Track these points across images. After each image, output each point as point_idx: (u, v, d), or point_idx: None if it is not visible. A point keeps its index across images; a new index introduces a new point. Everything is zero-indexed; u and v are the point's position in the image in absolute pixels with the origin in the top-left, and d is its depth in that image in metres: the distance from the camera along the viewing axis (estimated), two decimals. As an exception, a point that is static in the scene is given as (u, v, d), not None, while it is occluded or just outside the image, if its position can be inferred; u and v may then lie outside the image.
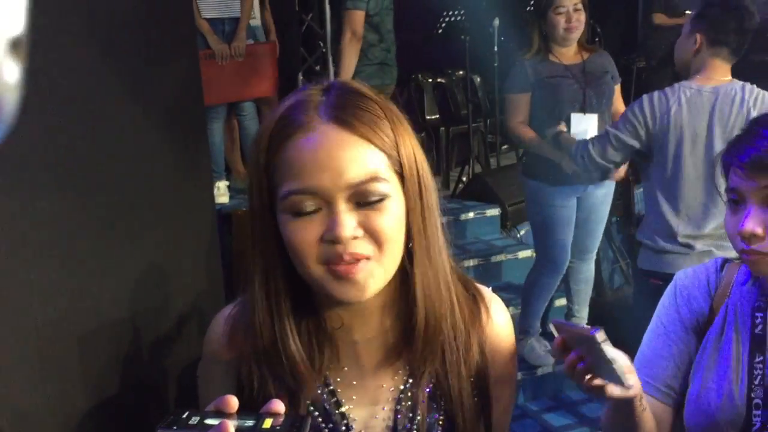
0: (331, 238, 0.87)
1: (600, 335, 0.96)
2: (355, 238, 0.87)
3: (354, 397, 0.98)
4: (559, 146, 3.11)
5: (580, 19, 3.33)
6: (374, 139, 0.89)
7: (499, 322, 1.06)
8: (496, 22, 5.15)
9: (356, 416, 0.98)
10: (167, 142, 2.19)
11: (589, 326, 0.99)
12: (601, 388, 0.99)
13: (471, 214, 4.68)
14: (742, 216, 1.14)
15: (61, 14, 1.83)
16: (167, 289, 2.22)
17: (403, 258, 0.93)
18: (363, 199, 0.88)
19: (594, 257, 3.73)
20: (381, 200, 0.88)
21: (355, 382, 0.99)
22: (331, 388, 0.98)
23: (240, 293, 1.02)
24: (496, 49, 5.21)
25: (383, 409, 0.99)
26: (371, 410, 0.99)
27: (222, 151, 4.62)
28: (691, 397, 1.24)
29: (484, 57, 5.34)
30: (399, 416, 0.98)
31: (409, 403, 0.99)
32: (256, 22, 4.60)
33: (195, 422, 0.75)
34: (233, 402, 0.77)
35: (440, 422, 0.99)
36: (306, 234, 0.88)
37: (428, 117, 5.93)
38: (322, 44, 5.09)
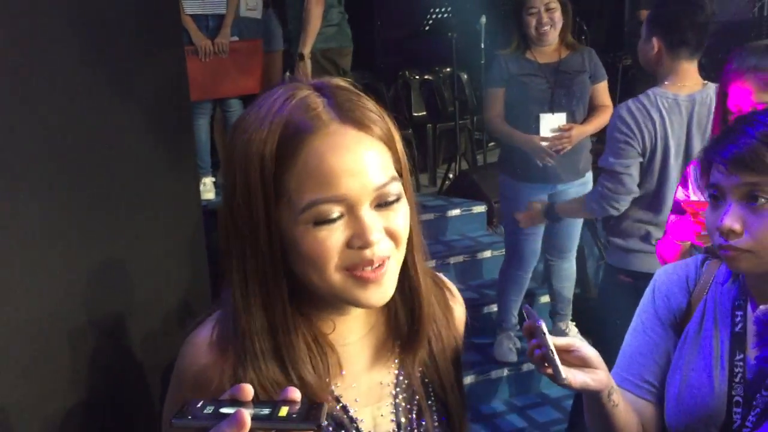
0: (361, 244, 0.85)
1: (542, 327, 1.00)
2: (380, 240, 0.87)
3: (357, 399, 0.99)
4: (553, 214, 2.95)
5: (554, 18, 3.33)
6: (384, 137, 0.89)
7: (461, 302, 1.12)
8: (483, 19, 5.16)
9: (363, 417, 0.98)
10: (153, 138, 2.17)
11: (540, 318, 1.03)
12: (554, 377, 1.02)
13: (457, 211, 4.70)
14: (722, 212, 1.15)
15: (46, 7, 1.82)
16: (153, 284, 2.21)
17: None
18: (383, 201, 0.87)
19: (574, 255, 3.75)
20: (398, 200, 0.89)
21: (354, 385, 0.99)
22: (336, 394, 0.97)
23: (220, 307, 0.96)
24: (482, 46, 5.22)
25: (386, 405, 1.00)
26: (375, 408, 1.00)
27: (208, 147, 4.62)
28: (671, 396, 1.26)
29: (470, 54, 5.35)
30: (400, 409, 1.00)
31: (406, 394, 1.01)
32: (256, 14, 4.57)
33: (210, 411, 0.74)
34: (249, 390, 0.75)
35: (434, 407, 1.02)
36: (330, 242, 0.85)
37: (415, 114, 5.93)
38: None
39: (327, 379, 0.94)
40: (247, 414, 0.71)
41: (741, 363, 1.19)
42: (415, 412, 1.00)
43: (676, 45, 2.49)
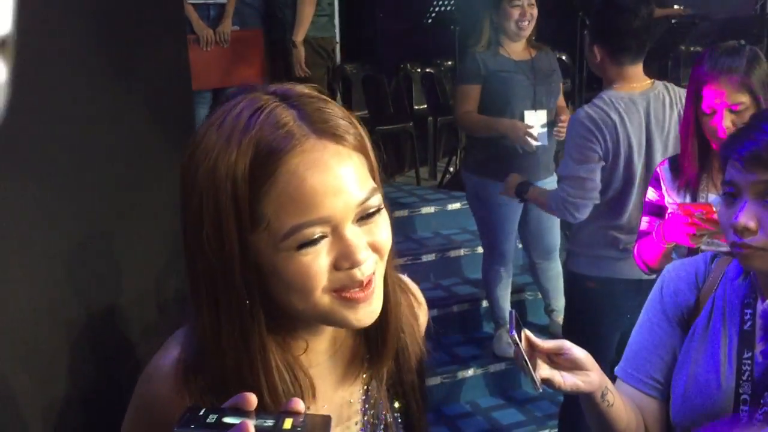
0: (349, 265, 0.81)
1: (513, 336, 1.02)
2: (367, 258, 0.83)
3: None
4: (523, 196, 2.86)
5: (533, 14, 3.35)
6: (359, 146, 0.84)
7: (425, 307, 1.09)
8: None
9: None
10: (154, 127, 2.16)
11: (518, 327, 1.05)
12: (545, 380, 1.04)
13: (457, 205, 4.69)
14: (737, 209, 1.14)
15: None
16: (152, 276, 2.20)
17: None
18: (365, 213, 0.83)
19: (558, 254, 3.74)
20: (378, 211, 0.85)
21: (325, 406, 0.95)
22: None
23: (189, 332, 0.89)
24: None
25: (354, 423, 0.98)
26: (344, 429, 0.98)
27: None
28: (677, 393, 1.25)
29: (473, 47, 5.33)
30: (368, 426, 0.98)
31: (374, 410, 0.99)
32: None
33: (213, 420, 0.72)
34: (252, 399, 0.73)
35: (399, 419, 1.01)
36: (317, 266, 0.80)
37: (416, 107, 5.91)
38: None
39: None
40: (251, 425, 0.70)
41: (749, 361, 1.18)
42: (381, 427, 0.99)
43: (617, 52, 2.47)
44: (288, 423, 0.72)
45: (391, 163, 5.70)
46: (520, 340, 1.03)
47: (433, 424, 3.44)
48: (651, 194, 2.16)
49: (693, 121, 1.99)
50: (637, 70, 2.51)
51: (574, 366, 1.07)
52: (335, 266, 0.81)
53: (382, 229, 0.85)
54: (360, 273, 0.82)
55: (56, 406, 1.91)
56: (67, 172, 1.90)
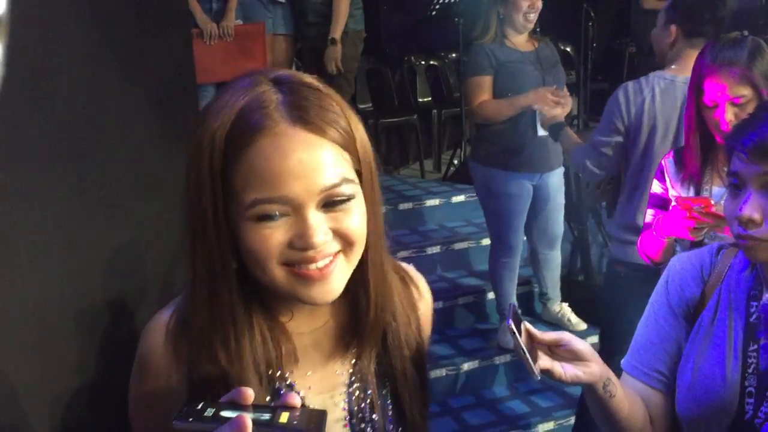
0: (302, 246, 0.85)
1: (511, 327, 1.03)
2: (325, 242, 0.87)
3: (310, 387, 0.99)
4: (556, 136, 3.03)
5: (539, 6, 3.38)
6: (339, 139, 0.87)
7: (427, 299, 1.12)
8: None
9: (314, 404, 0.98)
10: (159, 121, 2.16)
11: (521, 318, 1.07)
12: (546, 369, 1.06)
13: (462, 197, 4.69)
14: (741, 200, 1.13)
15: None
16: (161, 268, 2.21)
17: None
18: (330, 200, 0.87)
19: (560, 243, 3.77)
20: (348, 200, 0.88)
21: (309, 373, 0.99)
22: (288, 382, 0.97)
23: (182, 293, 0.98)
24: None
25: (339, 393, 1.00)
26: (327, 397, 1.00)
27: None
28: (682, 386, 1.25)
29: (477, 40, 5.31)
30: (353, 398, 1.00)
31: (360, 384, 1.01)
32: None
33: (210, 414, 0.74)
34: (249, 394, 0.76)
35: (389, 401, 1.03)
36: (271, 239, 0.85)
37: (420, 99, 5.90)
38: None
39: (279, 368, 0.95)
40: (248, 419, 0.72)
41: (755, 353, 1.18)
42: (367, 402, 1.01)
43: (693, 35, 2.49)
44: (284, 417, 0.74)
45: (396, 155, 5.70)
46: (520, 332, 1.04)
47: (438, 416, 3.44)
48: (656, 187, 2.16)
49: (695, 114, 1.99)
50: (696, 54, 2.52)
51: (574, 357, 1.08)
52: (290, 244, 0.86)
53: (351, 218, 0.88)
54: (313, 253, 0.86)
55: (63, 399, 1.92)
56: (74, 164, 1.91)
